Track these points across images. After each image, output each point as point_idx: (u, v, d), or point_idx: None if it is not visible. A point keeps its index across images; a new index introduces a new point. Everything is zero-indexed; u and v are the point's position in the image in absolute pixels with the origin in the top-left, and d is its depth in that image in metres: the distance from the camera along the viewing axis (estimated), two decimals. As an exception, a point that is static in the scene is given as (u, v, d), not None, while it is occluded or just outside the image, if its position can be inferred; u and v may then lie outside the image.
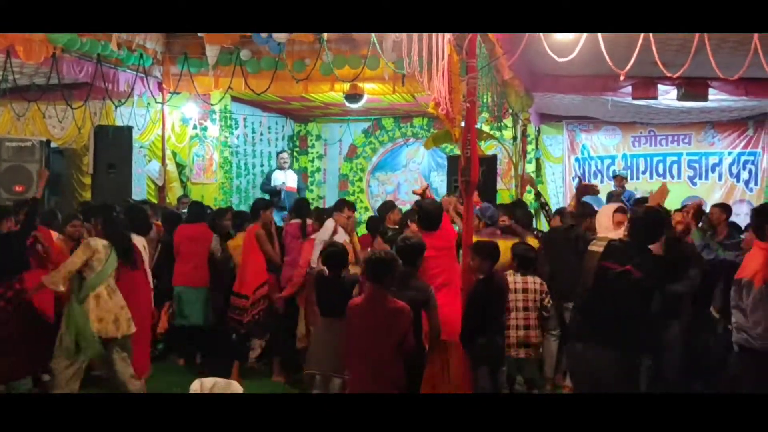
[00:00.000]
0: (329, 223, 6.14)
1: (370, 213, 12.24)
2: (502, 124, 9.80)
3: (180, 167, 10.34)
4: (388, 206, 7.24)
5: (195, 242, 6.80)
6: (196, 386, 4.70)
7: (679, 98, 8.79)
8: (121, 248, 5.54)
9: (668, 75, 5.18)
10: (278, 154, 11.87)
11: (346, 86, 9.03)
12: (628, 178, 11.84)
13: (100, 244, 5.44)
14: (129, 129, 9.12)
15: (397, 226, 6.50)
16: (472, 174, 4.75)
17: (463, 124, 5.02)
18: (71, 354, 5.30)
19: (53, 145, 9.46)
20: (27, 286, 5.69)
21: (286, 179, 11.21)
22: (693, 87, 8.49)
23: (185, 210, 8.10)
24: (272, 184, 11.14)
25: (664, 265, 4.09)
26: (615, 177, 11.35)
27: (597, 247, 4.11)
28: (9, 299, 5.67)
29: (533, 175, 11.99)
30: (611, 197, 9.89)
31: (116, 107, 8.47)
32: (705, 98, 8.68)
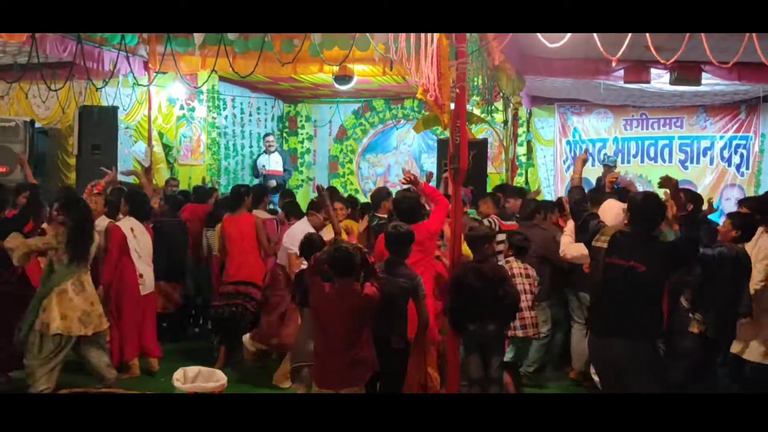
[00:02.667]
0: (301, 226, 6.01)
1: (360, 195, 12.17)
2: (493, 107, 9.71)
3: (167, 148, 10.21)
4: (383, 193, 6.65)
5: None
6: (180, 374, 4.67)
7: (672, 82, 8.71)
8: (81, 239, 5.25)
9: (661, 61, 5.12)
10: (264, 137, 11.73)
11: (336, 67, 8.90)
12: (618, 162, 11.81)
13: None
14: (114, 109, 8.96)
15: (386, 215, 6.38)
16: (461, 162, 4.66)
17: (453, 106, 4.93)
18: (38, 352, 5.09)
19: (38, 125, 9.32)
20: (28, 274, 5.58)
21: (268, 163, 11.13)
22: (686, 71, 8.41)
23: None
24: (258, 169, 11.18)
25: (671, 252, 3.96)
26: (605, 167, 11.27)
27: (601, 243, 3.99)
28: (11, 284, 5.57)
29: (524, 158, 11.96)
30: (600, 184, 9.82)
31: (98, 89, 8.30)
32: (698, 82, 8.61)
